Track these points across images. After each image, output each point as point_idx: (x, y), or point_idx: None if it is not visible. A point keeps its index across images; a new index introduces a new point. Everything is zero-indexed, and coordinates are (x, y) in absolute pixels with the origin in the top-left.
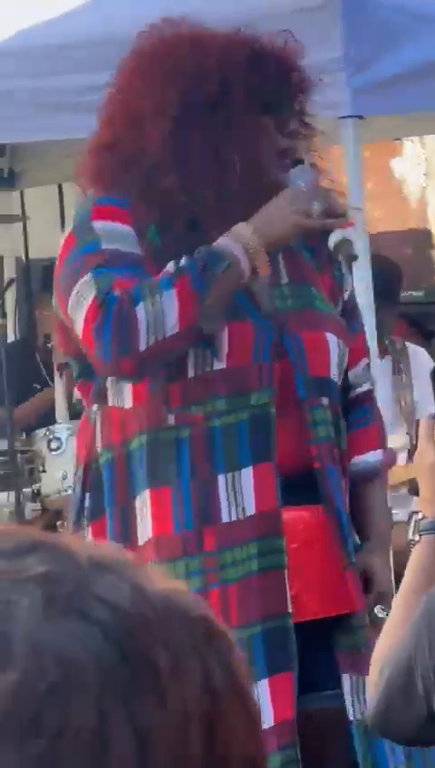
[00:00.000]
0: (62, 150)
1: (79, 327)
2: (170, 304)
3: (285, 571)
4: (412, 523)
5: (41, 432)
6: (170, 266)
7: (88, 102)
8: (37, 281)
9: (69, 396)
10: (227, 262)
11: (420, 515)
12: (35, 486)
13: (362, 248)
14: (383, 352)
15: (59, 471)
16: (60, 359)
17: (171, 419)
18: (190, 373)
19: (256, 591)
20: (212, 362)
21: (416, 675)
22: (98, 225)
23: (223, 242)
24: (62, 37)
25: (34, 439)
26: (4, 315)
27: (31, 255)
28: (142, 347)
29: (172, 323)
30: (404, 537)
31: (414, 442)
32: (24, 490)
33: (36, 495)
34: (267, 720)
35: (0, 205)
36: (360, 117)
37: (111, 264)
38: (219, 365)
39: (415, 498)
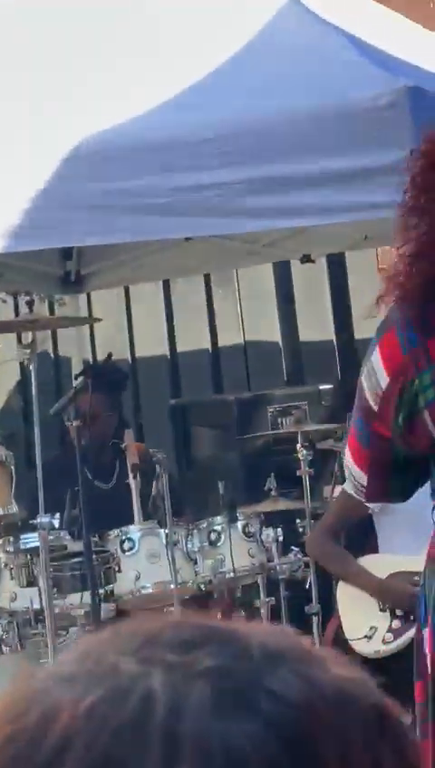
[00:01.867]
0: (128, 252)
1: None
2: None
3: None
4: None
5: (114, 533)
6: None
7: (155, 204)
8: (103, 383)
9: (142, 497)
10: None
11: None
12: (108, 587)
13: None
14: None
15: (132, 572)
16: (132, 459)
17: None
18: None
19: None
20: None
21: None
22: (374, 360)
23: None
24: (131, 139)
25: (108, 540)
26: (78, 417)
27: (99, 357)
28: None
29: None
30: None
31: None
32: (99, 590)
33: (110, 596)
34: None
35: (68, 307)
36: None
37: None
38: None
39: None
